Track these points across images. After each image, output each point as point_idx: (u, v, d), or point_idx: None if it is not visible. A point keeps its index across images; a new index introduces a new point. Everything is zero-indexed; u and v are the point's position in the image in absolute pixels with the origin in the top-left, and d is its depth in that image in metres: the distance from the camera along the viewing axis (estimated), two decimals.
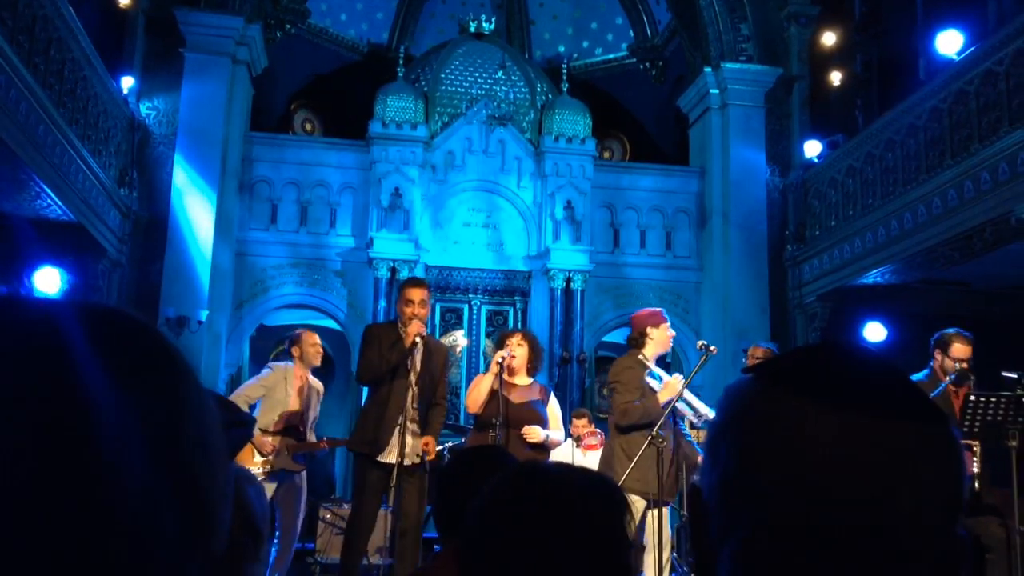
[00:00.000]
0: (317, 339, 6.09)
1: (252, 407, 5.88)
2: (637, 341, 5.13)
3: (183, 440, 0.53)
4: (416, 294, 5.11)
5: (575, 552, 1.19)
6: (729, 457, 0.74)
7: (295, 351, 6.03)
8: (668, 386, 4.91)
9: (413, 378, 4.96)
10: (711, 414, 5.11)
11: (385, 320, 9.61)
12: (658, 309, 5.39)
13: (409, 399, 4.94)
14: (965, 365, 5.13)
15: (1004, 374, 5.04)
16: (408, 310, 5.05)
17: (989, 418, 4.63)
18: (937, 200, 8.61)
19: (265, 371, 6.06)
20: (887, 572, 0.68)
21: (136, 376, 0.52)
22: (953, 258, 8.96)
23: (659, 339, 5.06)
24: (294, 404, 5.90)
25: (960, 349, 5.16)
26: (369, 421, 5.01)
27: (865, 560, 0.68)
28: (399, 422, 4.85)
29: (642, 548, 4.87)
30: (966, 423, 4.70)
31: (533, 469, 1.31)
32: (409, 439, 4.88)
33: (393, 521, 5.37)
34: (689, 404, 5.05)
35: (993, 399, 4.66)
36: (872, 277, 9.98)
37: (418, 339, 4.92)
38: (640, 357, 5.06)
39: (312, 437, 6.06)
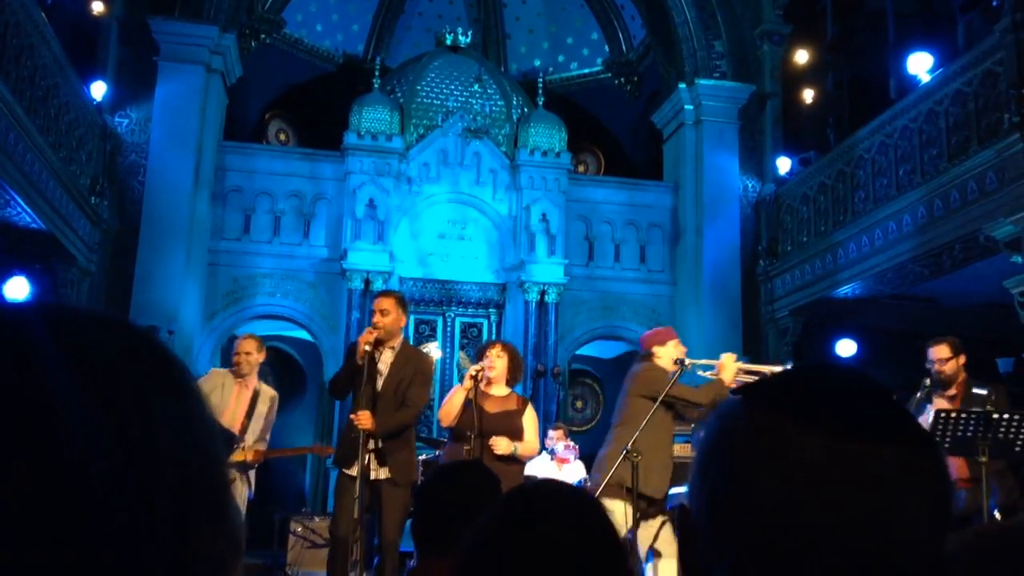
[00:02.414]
0: (250, 346, 5.87)
1: None
2: (647, 359, 5.09)
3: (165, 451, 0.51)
4: (375, 303, 5.15)
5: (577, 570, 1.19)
6: (717, 479, 0.74)
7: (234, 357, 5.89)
8: (724, 367, 4.89)
9: (377, 388, 4.91)
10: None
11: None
12: (664, 328, 5.37)
13: (364, 407, 4.86)
14: (941, 368, 5.13)
15: (974, 390, 5.10)
16: (372, 320, 5.07)
17: (959, 433, 4.67)
18: (907, 217, 8.71)
19: (204, 375, 5.90)
20: None
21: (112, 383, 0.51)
22: (923, 275, 9.08)
23: (667, 356, 5.02)
24: (231, 410, 5.73)
25: (931, 352, 5.19)
26: (344, 435, 5.03)
27: None
28: (353, 434, 4.81)
29: (658, 555, 4.87)
30: (936, 438, 4.74)
31: (526, 494, 1.30)
32: (368, 449, 4.82)
33: (367, 535, 5.33)
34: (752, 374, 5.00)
35: (964, 415, 4.71)
36: (843, 292, 10.08)
37: (368, 347, 4.87)
38: (655, 365, 4.99)
39: (261, 446, 5.81)
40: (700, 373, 5.00)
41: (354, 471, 4.81)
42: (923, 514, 0.69)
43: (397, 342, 5.12)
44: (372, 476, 4.85)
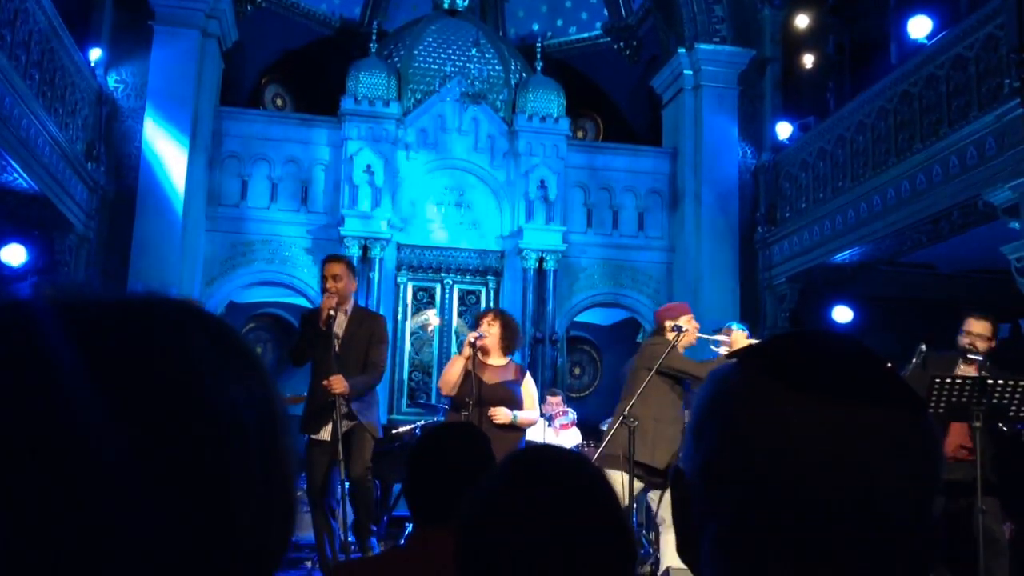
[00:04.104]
0: None
1: None
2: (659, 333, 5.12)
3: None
4: (326, 269, 5.19)
5: (581, 535, 1.20)
6: (713, 442, 0.75)
7: None
8: (735, 343, 4.89)
9: (335, 352, 4.96)
10: None
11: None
12: (679, 303, 5.39)
13: (337, 371, 4.92)
14: (975, 343, 5.05)
15: (969, 356, 5.12)
16: (328, 283, 5.10)
17: (954, 399, 4.70)
18: (906, 183, 8.69)
19: None
20: (868, 556, 0.70)
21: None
22: (920, 241, 9.08)
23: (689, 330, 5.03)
24: None
25: (971, 324, 5.12)
26: (309, 402, 5.10)
27: (846, 545, 0.69)
28: (329, 399, 4.87)
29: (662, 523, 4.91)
30: (931, 404, 4.77)
31: (528, 458, 1.31)
32: (341, 414, 4.89)
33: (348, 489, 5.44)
34: None
35: (959, 381, 4.74)
36: (841, 259, 10.09)
37: (332, 312, 4.93)
38: (664, 339, 5.01)
39: None
40: (712, 348, 5.01)
41: (324, 435, 4.93)
42: (912, 476, 0.70)
43: (349, 305, 5.24)
44: (343, 430, 4.93)
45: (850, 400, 0.70)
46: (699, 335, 5.02)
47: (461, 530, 1.25)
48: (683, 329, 4.80)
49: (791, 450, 0.70)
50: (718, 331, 6.82)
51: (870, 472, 0.69)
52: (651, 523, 5.24)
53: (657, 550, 5.11)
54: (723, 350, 4.89)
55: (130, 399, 0.48)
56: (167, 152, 10.24)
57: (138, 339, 0.50)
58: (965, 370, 5.05)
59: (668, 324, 5.04)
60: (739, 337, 4.92)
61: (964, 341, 5.09)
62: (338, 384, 4.85)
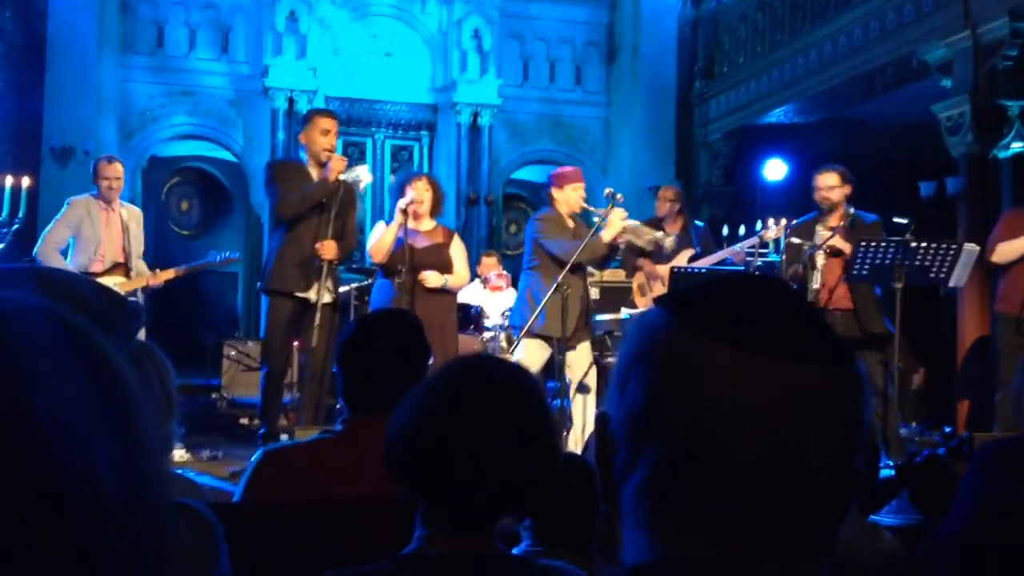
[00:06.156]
0: (116, 170, 5.54)
1: (65, 251, 5.46)
2: (547, 200, 5.19)
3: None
4: (333, 124, 5.04)
5: (512, 439, 1.22)
6: (637, 391, 0.73)
7: (98, 181, 5.54)
8: (610, 224, 4.92)
9: (332, 215, 4.85)
10: (660, 236, 5.24)
11: (285, 157, 9.32)
12: (571, 169, 5.37)
13: (330, 237, 4.86)
14: (827, 195, 5.26)
15: (895, 220, 5.24)
16: (327, 141, 4.94)
17: (878, 262, 4.82)
18: (843, 38, 8.65)
19: (64, 208, 5.55)
20: (790, 512, 0.69)
21: None
22: (854, 97, 9.12)
23: (564, 200, 5.08)
24: (108, 238, 5.50)
25: (818, 179, 5.32)
26: (287, 260, 4.92)
27: (768, 501, 0.69)
28: (322, 261, 4.80)
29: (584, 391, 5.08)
30: (855, 266, 4.89)
31: (463, 369, 1.31)
32: (324, 282, 4.84)
33: (302, 359, 5.42)
34: (637, 234, 5.10)
35: (884, 244, 4.85)
36: (776, 116, 10.11)
37: (342, 175, 4.84)
38: (552, 213, 5.10)
39: (142, 268, 5.65)
40: (596, 220, 5.03)
41: (311, 294, 4.84)
42: (839, 430, 0.70)
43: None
44: (326, 299, 4.86)
45: (780, 356, 0.69)
46: (584, 206, 5.09)
47: (391, 442, 1.25)
48: (616, 196, 4.83)
49: (718, 406, 0.69)
50: (652, 189, 6.83)
51: (797, 430, 0.68)
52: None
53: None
54: (605, 234, 4.90)
55: None
56: None
57: None
58: (824, 225, 5.29)
59: (555, 193, 5.12)
60: (615, 218, 4.94)
61: (817, 196, 5.34)
62: (330, 250, 4.78)
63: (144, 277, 5.60)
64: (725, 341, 0.69)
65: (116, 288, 5.36)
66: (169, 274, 5.73)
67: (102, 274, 5.38)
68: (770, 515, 0.69)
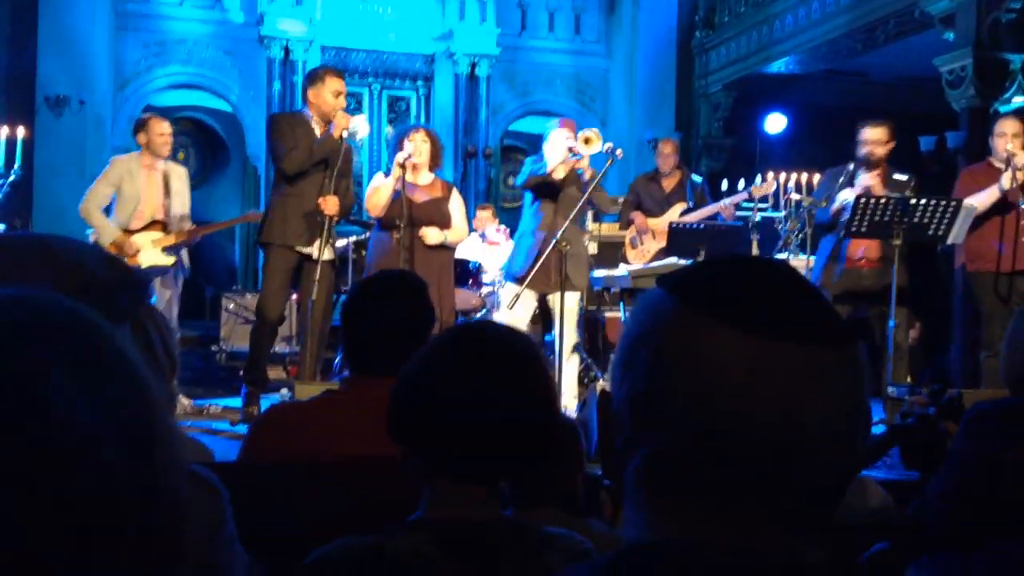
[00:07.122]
0: (166, 127, 5.62)
1: (109, 208, 5.55)
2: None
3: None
4: (344, 86, 5.02)
5: (513, 400, 1.23)
6: (640, 372, 0.74)
7: (141, 138, 5.58)
8: (552, 144, 4.91)
9: (335, 172, 4.85)
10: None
11: (286, 110, 9.25)
12: (562, 119, 5.32)
13: (332, 193, 4.86)
14: (874, 150, 5.20)
15: (895, 176, 5.21)
16: (338, 101, 4.92)
17: (877, 218, 4.81)
18: None
19: (107, 166, 5.63)
20: (788, 492, 0.70)
21: None
22: (856, 49, 9.04)
23: (551, 143, 4.99)
24: (148, 195, 5.56)
25: (867, 132, 5.25)
26: (290, 213, 4.90)
27: (768, 482, 0.69)
28: (324, 216, 4.81)
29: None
30: (855, 223, 4.88)
31: (468, 335, 1.32)
32: (326, 238, 4.85)
33: (302, 313, 5.43)
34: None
35: (883, 200, 4.83)
36: (776, 67, 10.01)
37: (346, 132, 4.81)
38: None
39: (187, 224, 5.72)
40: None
41: (312, 250, 4.85)
42: (839, 413, 0.70)
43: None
44: (325, 256, 4.86)
45: (781, 338, 0.69)
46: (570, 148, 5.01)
47: (394, 404, 1.27)
48: (615, 152, 4.78)
49: (718, 388, 0.69)
50: (651, 142, 6.79)
51: (798, 412, 0.69)
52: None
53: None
54: (548, 163, 4.86)
55: None
56: None
57: None
58: (864, 180, 5.19)
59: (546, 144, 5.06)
60: (556, 140, 4.89)
61: (863, 150, 5.24)
62: (333, 205, 4.78)
63: (176, 233, 5.63)
64: (727, 323, 0.69)
65: (153, 243, 5.48)
66: (201, 230, 5.87)
67: (141, 230, 5.52)
68: (770, 496, 0.70)
